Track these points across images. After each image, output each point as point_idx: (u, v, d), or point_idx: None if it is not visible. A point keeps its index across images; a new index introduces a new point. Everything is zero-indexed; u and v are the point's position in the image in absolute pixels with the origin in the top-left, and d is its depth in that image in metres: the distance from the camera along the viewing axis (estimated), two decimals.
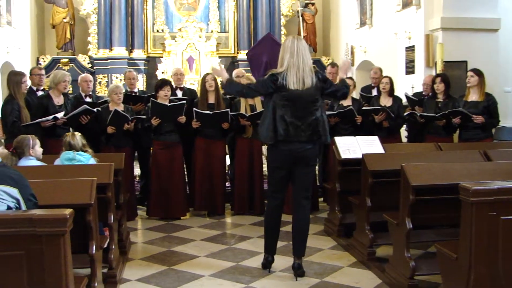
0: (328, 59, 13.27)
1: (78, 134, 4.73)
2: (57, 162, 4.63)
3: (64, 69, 12.06)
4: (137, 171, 7.96)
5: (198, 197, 6.93)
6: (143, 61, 12.71)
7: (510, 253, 3.26)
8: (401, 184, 4.24)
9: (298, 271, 4.57)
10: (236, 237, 6.01)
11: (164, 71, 12.30)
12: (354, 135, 6.20)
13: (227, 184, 7.56)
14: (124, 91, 6.85)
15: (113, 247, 4.52)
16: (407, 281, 4.13)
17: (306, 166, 4.58)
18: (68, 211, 2.67)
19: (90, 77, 7.30)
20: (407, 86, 9.14)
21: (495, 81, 8.77)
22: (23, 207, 2.88)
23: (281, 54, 4.51)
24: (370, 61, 11.33)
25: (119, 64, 12.25)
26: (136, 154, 7.44)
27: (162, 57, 12.65)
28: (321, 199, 7.48)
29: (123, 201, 5.37)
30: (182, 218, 6.87)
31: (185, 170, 7.34)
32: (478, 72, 6.62)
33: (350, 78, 7.34)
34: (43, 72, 7.07)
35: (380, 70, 8.15)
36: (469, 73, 6.65)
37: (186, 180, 7.28)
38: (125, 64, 12.24)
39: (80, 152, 4.60)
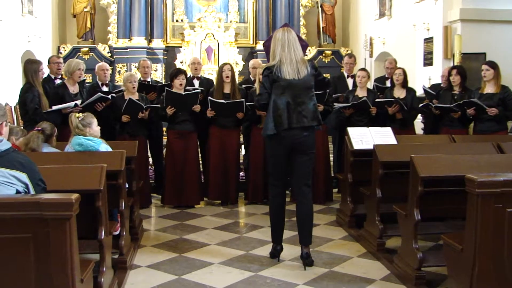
0: (347, 50, 13.19)
1: (76, 115, 4.74)
2: (68, 148, 4.70)
3: (84, 58, 12.26)
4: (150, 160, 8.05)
5: (212, 186, 6.98)
6: (162, 51, 12.80)
7: None
8: (410, 175, 4.23)
9: (306, 260, 4.59)
10: (248, 226, 6.06)
11: (182, 61, 12.37)
12: (369, 127, 6.21)
13: (242, 174, 7.61)
14: (137, 79, 6.91)
15: (124, 233, 4.58)
16: (414, 272, 4.13)
17: (304, 153, 4.60)
18: (74, 196, 2.72)
19: (107, 66, 7.38)
20: (425, 78, 9.06)
21: None
22: (32, 191, 2.94)
23: (272, 47, 4.57)
24: (389, 52, 11.26)
25: (138, 54, 12.34)
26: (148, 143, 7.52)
27: (181, 47, 12.72)
28: (335, 190, 7.48)
29: (136, 189, 5.43)
30: (196, 206, 6.94)
31: (200, 159, 7.41)
32: (493, 65, 6.54)
33: (364, 69, 7.32)
34: (61, 60, 7.16)
35: (395, 61, 8.10)
36: (484, 67, 6.56)
37: (201, 169, 7.34)
38: (144, 54, 12.34)
39: (90, 137, 4.65)
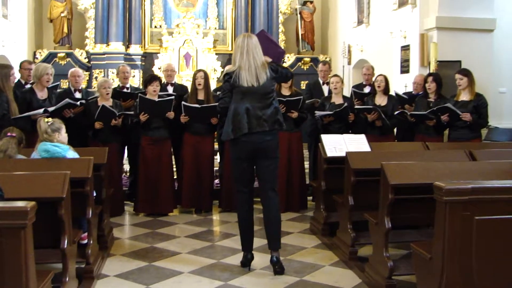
0: (326, 57, 13.19)
1: (45, 120, 4.63)
2: (34, 154, 4.59)
3: (61, 64, 12.11)
4: (126, 167, 7.95)
5: (185, 194, 6.90)
6: (140, 57, 12.69)
7: (484, 254, 3.20)
8: (380, 182, 4.19)
9: (276, 266, 4.55)
10: (220, 234, 5.98)
11: (160, 67, 12.23)
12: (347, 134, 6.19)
13: (217, 181, 7.53)
14: (112, 86, 6.82)
15: (92, 242, 4.48)
16: (385, 281, 4.08)
17: (267, 158, 4.58)
18: (29, 204, 2.63)
19: (79, 72, 7.26)
20: (402, 85, 9.08)
21: (489, 82, 8.72)
22: None
23: (233, 53, 4.64)
24: (367, 59, 11.27)
25: (116, 60, 12.20)
26: (126, 150, 7.42)
27: (159, 53, 12.61)
28: (311, 198, 7.43)
29: (105, 196, 5.33)
30: (169, 214, 6.84)
31: (175, 166, 7.33)
32: (466, 73, 6.56)
33: (337, 75, 7.30)
34: (32, 66, 7.01)
35: (372, 67, 8.10)
36: (457, 76, 6.57)
37: (175, 177, 7.26)
38: (121, 60, 12.19)
39: (57, 144, 4.55)
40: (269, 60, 4.69)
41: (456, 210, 3.16)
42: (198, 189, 6.90)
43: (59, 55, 12.33)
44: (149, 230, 6.12)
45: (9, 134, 4.61)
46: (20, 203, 2.62)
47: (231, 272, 4.68)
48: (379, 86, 7.03)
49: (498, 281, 3.22)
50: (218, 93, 7.04)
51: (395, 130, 7.91)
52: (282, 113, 6.36)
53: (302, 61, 13.23)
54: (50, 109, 6.08)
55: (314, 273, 4.68)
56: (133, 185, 7.44)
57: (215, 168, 7.42)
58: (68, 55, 12.42)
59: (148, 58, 12.80)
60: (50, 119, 4.70)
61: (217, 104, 6.40)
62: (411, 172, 4.09)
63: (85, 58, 12.52)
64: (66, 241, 3.61)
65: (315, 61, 13.10)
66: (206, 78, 6.89)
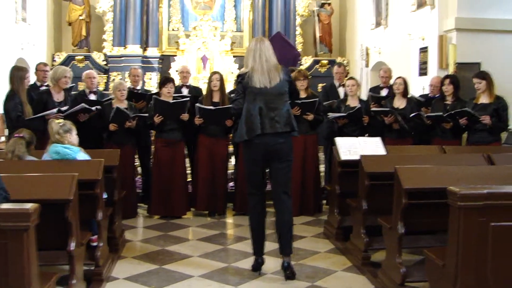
0: (343, 60, 13.08)
1: (57, 122, 4.64)
2: (45, 156, 4.58)
3: (79, 66, 12.17)
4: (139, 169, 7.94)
5: (199, 196, 6.85)
6: (157, 59, 12.68)
7: (500, 262, 3.11)
8: (394, 187, 4.10)
9: (287, 271, 4.47)
10: (233, 237, 5.93)
11: (177, 70, 12.25)
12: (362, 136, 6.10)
13: (232, 184, 7.48)
14: (127, 88, 6.81)
15: (101, 244, 4.45)
16: (397, 287, 3.99)
17: (280, 161, 4.53)
18: (32, 206, 2.60)
19: (94, 74, 7.28)
20: (420, 87, 8.94)
21: (511, 84, 8.53)
22: None
23: (245, 56, 4.65)
24: (385, 62, 11.12)
25: (133, 62, 12.18)
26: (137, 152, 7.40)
27: (176, 55, 12.60)
28: (325, 201, 7.33)
29: (117, 198, 5.30)
30: (183, 217, 6.80)
31: (190, 168, 7.30)
32: (483, 76, 6.42)
33: (353, 78, 7.20)
34: (47, 68, 7.05)
35: (390, 70, 7.99)
36: (475, 80, 6.41)
37: (190, 179, 7.22)
38: (139, 62, 12.21)
39: (68, 146, 4.53)
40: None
41: (471, 216, 3.07)
42: (212, 192, 6.85)
43: (77, 57, 12.39)
44: (161, 233, 6.08)
45: (16, 135, 4.61)
46: (23, 205, 2.58)
47: (242, 276, 4.62)
48: (398, 89, 6.92)
49: None
50: (232, 95, 7.01)
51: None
52: (297, 116, 6.45)
53: (320, 64, 13.13)
54: (63, 108, 6.07)
55: (326, 278, 4.60)
56: (146, 187, 7.42)
57: (230, 171, 7.37)
58: (86, 57, 12.48)
59: (165, 61, 12.80)
60: (61, 121, 4.69)
61: (231, 106, 6.45)
62: (426, 176, 3.99)
63: (103, 60, 12.56)
64: (73, 243, 3.57)
65: (332, 63, 12.95)
66: (221, 80, 6.85)
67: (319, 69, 13.11)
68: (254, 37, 4.92)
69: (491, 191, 3.07)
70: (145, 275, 4.64)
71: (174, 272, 4.74)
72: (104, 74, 12.42)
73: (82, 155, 4.61)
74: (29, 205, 2.58)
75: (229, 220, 6.85)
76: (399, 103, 6.90)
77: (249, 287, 4.39)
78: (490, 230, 3.08)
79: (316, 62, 13.18)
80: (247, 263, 4.90)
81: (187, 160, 7.27)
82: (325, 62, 13.10)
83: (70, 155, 4.51)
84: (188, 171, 7.29)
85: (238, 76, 4.62)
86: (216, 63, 12.39)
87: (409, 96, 7.15)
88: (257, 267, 4.69)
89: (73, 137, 4.67)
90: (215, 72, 7.04)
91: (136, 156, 7.42)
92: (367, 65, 12.08)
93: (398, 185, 3.99)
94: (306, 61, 13.08)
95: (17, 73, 6.26)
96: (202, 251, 5.38)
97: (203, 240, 5.81)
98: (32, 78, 7.09)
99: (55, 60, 12.31)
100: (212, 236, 5.95)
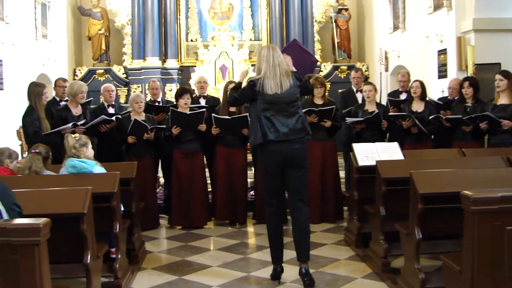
0: (363, 65, 13.01)
1: (72, 136, 4.70)
2: (62, 170, 4.64)
3: (100, 80, 12.32)
4: (163, 180, 7.98)
5: (219, 206, 6.87)
6: (177, 71, 12.77)
7: None
8: (410, 192, 4.05)
9: (306, 278, 4.45)
10: (253, 246, 5.93)
11: (195, 81, 12.32)
12: (381, 142, 6.05)
13: (252, 192, 7.48)
14: (144, 100, 6.88)
15: (119, 256, 4.49)
16: None
17: (297, 168, 4.54)
18: (42, 221, 2.63)
19: (112, 87, 7.36)
20: (439, 90, 8.85)
21: None
22: (5, 216, 2.87)
23: (257, 63, 4.66)
24: (404, 65, 11.03)
25: (153, 74, 12.30)
26: (160, 163, 7.45)
27: (195, 66, 12.68)
28: (346, 208, 7.27)
29: (135, 210, 5.34)
30: (204, 227, 6.82)
31: (209, 178, 7.32)
32: (507, 75, 6.32)
33: (370, 83, 7.16)
34: (67, 84, 7.15)
35: (408, 73, 7.93)
36: (497, 76, 6.34)
37: (210, 189, 7.24)
38: (158, 74, 12.32)
39: (84, 160, 4.59)
40: (294, 70, 4.69)
41: (485, 220, 3.02)
42: (232, 202, 6.87)
43: (98, 71, 12.56)
44: (182, 243, 6.11)
45: (33, 150, 4.69)
46: (33, 220, 2.62)
47: (261, 286, 4.63)
48: (415, 92, 6.86)
49: None
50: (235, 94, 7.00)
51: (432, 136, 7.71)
52: (315, 123, 6.44)
53: (339, 70, 13.07)
54: (79, 123, 6.15)
55: (345, 285, 4.56)
56: (168, 198, 7.46)
57: (249, 180, 7.36)
58: (107, 71, 12.63)
59: (185, 72, 12.88)
60: (77, 135, 4.75)
61: (247, 115, 6.46)
62: (442, 180, 3.95)
63: (123, 73, 12.70)
64: (89, 256, 3.61)
65: (352, 69, 12.93)
66: None
67: (338, 75, 13.05)
68: (265, 45, 4.94)
69: (505, 195, 3.01)
70: (165, 286, 4.67)
71: (193, 282, 4.75)
72: (125, 87, 12.56)
73: (98, 169, 4.67)
74: (40, 220, 2.61)
75: (250, 229, 6.84)
76: (417, 106, 6.83)
77: None
78: (506, 234, 3.02)
79: (335, 68, 13.12)
80: (267, 272, 4.88)
81: (206, 170, 7.30)
82: (344, 67, 13.03)
83: (86, 169, 4.57)
84: (208, 181, 7.31)
85: (250, 80, 4.62)
86: (235, 73, 12.43)
87: (427, 99, 7.07)
88: (276, 276, 4.68)
89: (89, 151, 4.73)
90: (230, 82, 7.07)
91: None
92: (386, 69, 11.98)
93: (414, 190, 3.95)
94: (325, 68, 13.04)
95: (35, 89, 6.37)
96: (221, 261, 5.39)
97: (222, 250, 5.82)
98: (51, 93, 7.20)
99: (76, 75, 12.49)
100: (232, 246, 5.95)
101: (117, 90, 12.05)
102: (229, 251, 5.75)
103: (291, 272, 4.75)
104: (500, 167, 4.76)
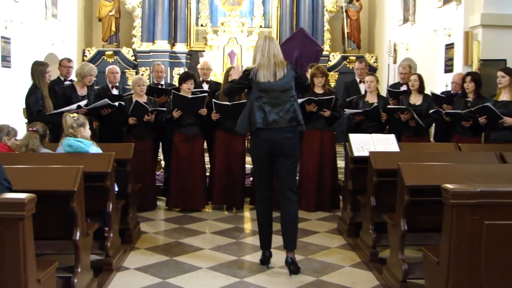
0: (372, 56, 13.02)
1: (71, 116, 4.77)
2: (59, 149, 4.73)
3: (109, 62, 12.41)
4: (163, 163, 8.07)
5: (216, 190, 6.94)
6: (185, 55, 12.85)
7: (494, 260, 3.09)
8: (398, 183, 4.10)
9: (292, 266, 4.51)
10: (247, 231, 6.00)
11: (198, 66, 12.35)
12: (379, 133, 6.08)
13: (251, 178, 7.54)
14: (146, 83, 6.94)
15: (111, 235, 4.57)
16: (399, 284, 3.99)
17: (286, 157, 4.57)
18: (28, 196, 2.71)
19: (117, 69, 7.44)
20: (443, 84, 8.84)
21: None
22: None
23: (254, 52, 4.73)
24: (412, 58, 11.06)
25: (161, 57, 12.41)
26: (161, 146, 7.54)
27: (204, 51, 12.73)
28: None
29: (131, 191, 5.42)
30: (202, 210, 6.91)
31: (209, 163, 7.38)
32: (509, 71, 6.31)
33: (372, 74, 7.18)
34: (71, 64, 7.24)
35: (409, 66, 7.93)
36: (500, 73, 6.33)
37: (209, 173, 7.31)
38: (167, 57, 12.43)
39: (80, 139, 4.67)
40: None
41: (464, 213, 3.06)
42: (229, 186, 6.93)
43: (107, 53, 12.67)
44: (177, 226, 6.19)
45: (30, 128, 4.78)
46: (19, 195, 2.70)
47: (249, 270, 4.69)
48: (413, 86, 6.87)
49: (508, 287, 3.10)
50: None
51: (433, 130, 7.73)
52: (314, 112, 6.48)
53: (348, 60, 13.08)
54: (82, 103, 6.21)
55: (332, 273, 4.62)
56: (167, 181, 7.54)
57: (248, 165, 7.42)
58: (116, 53, 12.73)
59: (194, 56, 12.96)
60: (75, 115, 4.83)
61: (246, 101, 6.49)
62: (429, 173, 3.98)
63: (132, 56, 12.80)
64: (78, 233, 3.69)
65: (357, 59, 12.91)
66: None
67: (347, 65, 13.08)
68: (263, 35, 5.00)
69: (484, 190, 3.05)
70: (155, 266, 4.75)
71: (183, 263, 4.83)
72: (133, 70, 12.66)
73: (94, 149, 4.74)
74: (25, 195, 2.70)
75: (246, 214, 6.91)
76: (415, 99, 6.85)
77: (254, 280, 4.45)
78: (484, 228, 3.06)
79: (344, 58, 13.14)
80: (257, 256, 4.93)
81: (207, 155, 7.37)
82: (353, 58, 13.03)
83: (82, 148, 4.65)
84: (208, 166, 7.38)
85: (245, 70, 4.68)
86: (243, 59, 12.48)
87: (425, 92, 7.07)
88: (265, 260, 4.74)
89: (86, 131, 4.80)
90: (231, 68, 7.10)
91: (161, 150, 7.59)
92: (395, 61, 11.97)
93: (401, 181, 3.99)
94: (334, 57, 13.06)
95: (38, 68, 6.44)
96: (214, 244, 5.47)
97: (216, 233, 5.90)
98: (57, 73, 7.29)
99: (85, 55, 12.61)
100: (226, 230, 6.03)
101: (125, 72, 12.26)
102: (223, 235, 5.83)
103: (280, 257, 4.80)
104: (491, 163, 4.78)
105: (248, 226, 6.34)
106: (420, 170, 4.02)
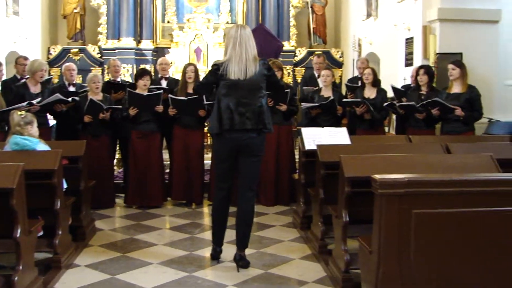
0: (338, 51, 13.09)
1: (18, 113, 4.74)
2: (6, 147, 4.70)
3: (74, 59, 12.29)
4: None
5: (175, 186, 6.97)
6: (151, 52, 12.77)
7: (423, 248, 3.16)
8: (339, 175, 4.16)
9: (240, 262, 4.54)
10: (202, 226, 6.03)
11: (172, 62, 12.31)
12: (336, 127, 6.15)
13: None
14: (101, 80, 6.93)
15: (60, 232, 4.56)
16: (342, 275, 4.06)
17: (250, 155, 4.49)
18: None
19: (74, 66, 7.41)
20: (402, 78, 8.95)
21: (494, 74, 8.53)
22: None
23: (225, 44, 4.53)
24: (375, 53, 11.15)
25: (127, 55, 12.33)
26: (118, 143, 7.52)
27: (170, 47, 12.68)
28: None
29: (83, 188, 5.42)
30: (161, 207, 6.92)
31: (168, 159, 7.40)
32: (459, 64, 6.46)
33: (328, 68, 7.26)
34: (27, 62, 7.18)
35: (367, 60, 8.04)
36: (450, 66, 6.47)
37: (168, 170, 7.33)
38: (132, 55, 12.35)
39: (27, 137, 4.64)
40: None
41: (392, 203, 3.13)
42: (188, 182, 6.96)
43: (72, 50, 12.51)
44: (134, 222, 6.20)
45: None
46: None
47: (199, 265, 4.72)
48: (367, 79, 6.97)
49: (437, 275, 3.17)
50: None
51: (394, 123, 7.84)
52: (271, 107, 6.51)
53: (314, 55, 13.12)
54: (35, 101, 6.18)
55: (281, 266, 4.68)
56: (126, 178, 7.53)
57: (207, 161, 7.45)
58: (82, 50, 12.60)
59: (160, 53, 12.83)
60: (23, 113, 4.80)
61: (202, 96, 6.49)
62: (369, 165, 4.03)
63: (98, 53, 12.67)
64: (19, 231, 3.69)
65: (327, 55, 12.97)
66: (196, 72, 6.94)
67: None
68: (235, 24, 4.86)
69: (411, 179, 3.12)
70: (106, 263, 4.75)
71: (135, 260, 4.84)
72: (99, 67, 12.54)
73: (42, 146, 4.72)
74: None
75: (205, 210, 6.94)
76: (370, 93, 6.95)
77: (203, 274, 4.48)
78: (413, 217, 3.13)
79: (310, 53, 13.14)
80: (209, 251, 4.97)
81: (166, 151, 7.39)
82: (319, 53, 13.07)
83: (29, 146, 4.62)
84: (167, 162, 7.40)
85: (214, 64, 4.49)
86: (210, 55, 12.45)
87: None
88: (215, 255, 4.78)
89: (34, 129, 4.78)
90: (189, 64, 7.13)
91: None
92: (359, 56, 12.06)
93: (342, 173, 4.06)
94: (300, 52, 13.08)
95: None
96: (168, 239, 5.50)
97: (172, 229, 5.93)
98: (12, 71, 7.23)
99: (50, 53, 12.45)
100: (182, 226, 6.06)
101: (91, 69, 12.15)
102: (179, 230, 5.86)
103: (232, 251, 4.83)
104: (438, 153, 4.87)
105: (205, 221, 6.36)
106: (360, 162, 4.08)
